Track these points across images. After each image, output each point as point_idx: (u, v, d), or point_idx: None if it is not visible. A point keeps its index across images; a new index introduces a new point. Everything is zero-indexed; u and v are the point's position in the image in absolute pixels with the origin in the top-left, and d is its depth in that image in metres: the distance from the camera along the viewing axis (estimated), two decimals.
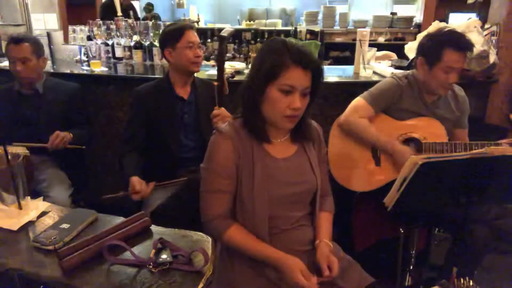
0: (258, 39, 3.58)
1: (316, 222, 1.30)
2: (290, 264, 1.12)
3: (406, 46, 2.64)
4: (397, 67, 2.53)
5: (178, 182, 1.83)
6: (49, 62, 2.94)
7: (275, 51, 1.13)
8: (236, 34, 3.62)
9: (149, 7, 5.39)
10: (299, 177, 1.25)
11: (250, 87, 1.18)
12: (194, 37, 1.91)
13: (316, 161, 1.30)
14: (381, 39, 5.20)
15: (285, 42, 1.15)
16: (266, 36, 3.59)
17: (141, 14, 5.33)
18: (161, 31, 2.43)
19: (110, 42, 2.96)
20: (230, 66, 2.64)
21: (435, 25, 2.38)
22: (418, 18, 5.20)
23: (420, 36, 2.47)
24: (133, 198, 1.73)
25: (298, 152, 1.28)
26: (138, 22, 3.01)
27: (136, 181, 1.74)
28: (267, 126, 1.22)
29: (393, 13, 5.40)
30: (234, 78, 2.39)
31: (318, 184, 1.27)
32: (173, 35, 1.89)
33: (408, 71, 1.97)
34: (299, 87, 1.12)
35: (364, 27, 5.15)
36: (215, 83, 1.71)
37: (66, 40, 3.42)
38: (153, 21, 3.09)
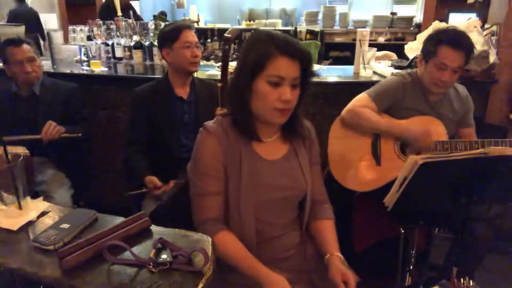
0: None
1: (320, 232, 1.24)
2: (273, 282, 1.06)
3: (406, 46, 2.64)
4: (397, 67, 2.53)
5: None
6: (49, 62, 2.95)
7: (259, 42, 1.09)
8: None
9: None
10: (288, 181, 1.20)
11: (237, 82, 1.12)
12: (191, 36, 1.90)
13: (307, 164, 1.25)
14: (381, 39, 5.21)
15: (269, 33, 1.10)
16: None
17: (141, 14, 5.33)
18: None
19: (110, 42, 2.96)
20: (229, 66, 2.64)
21: (435, 25, 2.38)
22: (418, 18, 5.21)
23: (420, 36, 2.47)
24: (154, 193, 1.76)
25: (288, 155, 1.23)
26: (138, 22, 3.01)
27: (155, 178, 1.77)
28: (257, 123, 1.17)
29: (393, 13, 5.40)
30: None
31: (308, 188, 1.23)
32: (170, 35, 1.89)
33: (412, 69, 1.97)
34: (288, 77, 1.07)
35: (364, 27, 5.16)
36: (219, 84, 1.71)
37: (66, 40, 3.42)
38: (153, 20, 3.09)
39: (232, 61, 3.02)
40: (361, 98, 1.89)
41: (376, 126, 1.84)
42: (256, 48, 1.08)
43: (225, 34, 1.66)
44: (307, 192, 1.23)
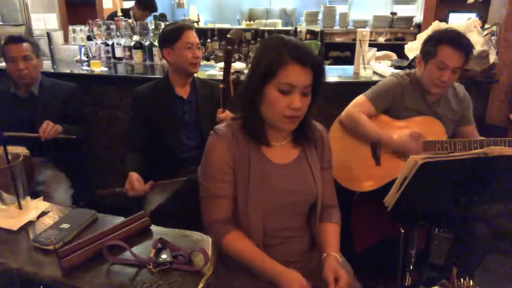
0: (258, 39, 3.58)
1: (323, 234, 1.23)
2: (289, 279, 1.04)
3: (406, 46, 2.64)
4: (397, 67, 2.54)
5: (177, 182, 1.82)
6: (49, 62, 2.95)
7: (272, 48, 1.08)
8: None
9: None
10: (298, 185, 1.19)
11: (248, 87, 1.13)
12: (193, 37, 1.90)
13: (318, 168, 1.23)
14: (381, 39, 5.20)
15: (282, 39, 1.09)
16: (266, 36, 3.58)
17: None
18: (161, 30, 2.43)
19: (110, 42, 2.96)
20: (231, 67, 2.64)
21: (435, 25, 2.39)
22: (418, 18, 5.20)
23: (420, 36, 2.47)
24: (128, 194, 1.70)
25: (298, 158, 1.22)
26: (138, 22, 3.01)
27: (134, 178, 1.72)
28: (267, 128, 1.17)
29: (393, 13, 5.39)
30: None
31: (318, 194, 1.22)
32: (172, 35, 1.89)
33: (410, 70, 1.97)
34: (299, 86, 1.07)
35: (364, 27, 5.15)
36: (221, 85, 1.70)
37: (66, 40, 3.42)
38: (152, 20, 3.09)
39: (234, 62, 3.02)
40: (360, 100, 1.89)
41: (368, 133, 1.85)
42: (268, 54, 1.07)
43: (228, 35, 1.65)
44: (317, 197, 1.22)
